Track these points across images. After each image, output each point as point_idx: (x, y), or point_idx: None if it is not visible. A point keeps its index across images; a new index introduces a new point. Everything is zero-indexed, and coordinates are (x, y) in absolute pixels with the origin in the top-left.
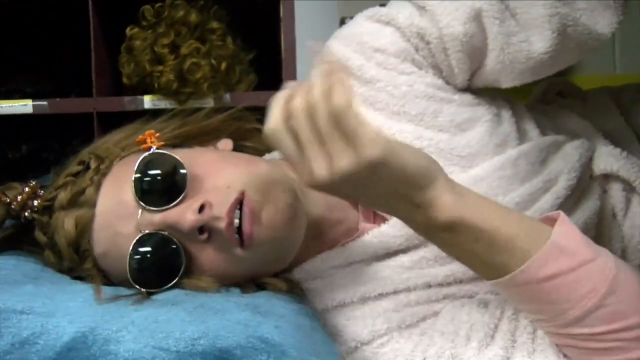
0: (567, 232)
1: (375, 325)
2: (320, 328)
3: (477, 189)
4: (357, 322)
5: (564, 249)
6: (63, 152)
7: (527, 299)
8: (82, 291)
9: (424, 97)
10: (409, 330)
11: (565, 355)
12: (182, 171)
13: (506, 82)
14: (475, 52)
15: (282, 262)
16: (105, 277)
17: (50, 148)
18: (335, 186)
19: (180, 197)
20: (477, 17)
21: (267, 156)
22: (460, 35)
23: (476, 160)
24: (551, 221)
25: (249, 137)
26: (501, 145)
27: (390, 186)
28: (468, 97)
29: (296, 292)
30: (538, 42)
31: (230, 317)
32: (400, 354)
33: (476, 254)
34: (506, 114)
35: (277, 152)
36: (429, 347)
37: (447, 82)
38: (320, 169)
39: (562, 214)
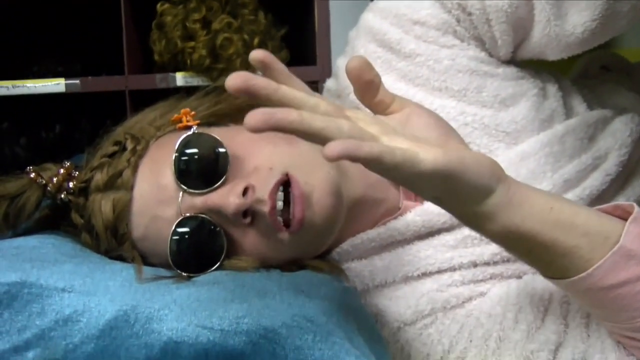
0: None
1: (419, 306)
2: (363, 307)
3: (524, 166)
4: (400, 303)
5: (634, 254)
6: (95, 131)
7: (589, 302)
8: (121, 270)
9: (467, 72)
10: (454, 311)
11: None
12: (223, 152)
13: (553, 55)
14: (520, 24)
15: (323, 245)
16: (143, 258)
17: (83, 127)
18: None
19: (222, 180)
20: None
21: None
22: (505, 6)
23: (522, 137)
24: (624, 212)
25: None
26: (548, 120)
27: (447, 192)
28: (512, 71)
29: (336, 272)
30: (586, 9)
31: (272, 296)
32: (446, 335)
33: (532, 259)
34: (552, 89)
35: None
36: (475, 329)
37: (490, 55)
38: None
39: (636, 208)
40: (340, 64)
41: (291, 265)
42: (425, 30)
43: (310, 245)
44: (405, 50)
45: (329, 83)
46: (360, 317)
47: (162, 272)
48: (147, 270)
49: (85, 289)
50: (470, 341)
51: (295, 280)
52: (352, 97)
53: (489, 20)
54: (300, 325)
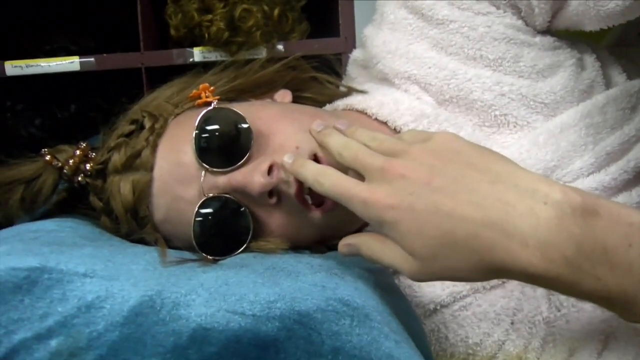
0: None
1: (457, 286)
2: (397, 287)
3: (565, 138)
4: (435, 283)
5: None
6: (111, 111)
7: None
8: (144, 254)
9: (504, 40)
10: (494, 292)
11: None
12: (247, 128)
13: (591, 25)
14: None
15: (357, 223)
16: (165, 241)
17: (98, 106)
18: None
19: (246, 157)
20: None
21: (328, 107)
22: None
23: (560, 108)
24: None
25: (306, 88)
26: (587, 91)
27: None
28: (549, 40)
29: None
30: None
31: (304, 278)
32: (484, 318)
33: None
34: (589, 59)
35: (338, 102)
36: (517, 311)
37: (526, 24)
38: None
39: None
40: (367, 32)
41: (320, 245)
42: None
43: (343, 224)
44: (437, 16)
45: (356, 53)
46: (396, 298)
47: (187, 255)
48: (171, 253)
49: (107, 274)
50: (512, 323)
51: (327, 262)
52: (380, 66)
53: None
54: (336, 309)
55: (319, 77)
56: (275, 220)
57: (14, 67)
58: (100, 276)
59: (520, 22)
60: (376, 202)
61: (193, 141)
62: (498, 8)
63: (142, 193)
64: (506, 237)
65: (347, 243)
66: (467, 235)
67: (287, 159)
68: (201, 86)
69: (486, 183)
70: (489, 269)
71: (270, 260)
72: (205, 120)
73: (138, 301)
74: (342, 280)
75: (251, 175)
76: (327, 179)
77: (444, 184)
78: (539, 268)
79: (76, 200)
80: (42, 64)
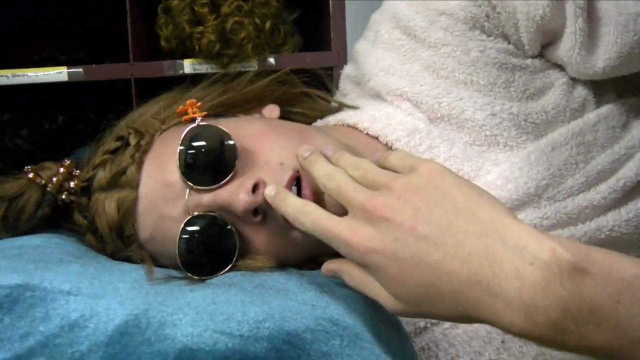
0: None
1: None
2: None
3: (556, 157)
4: None
5: None
6: (100, 122)
7: None
8: (131, 271)
9: (495, 65)
10: None
11: None
12: (231, 145)
13: (572, 74)
14: (550, 33)
15: None
16: (152, 259)
17: (87, 118)
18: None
19: (231, 175)
20: (559, 5)
21: (319, 122)
22: (537, 17)
23: (551, 128)
24: None
25: (297, 103)
26: (579, 110)
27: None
28: (540, 62)
29: None
30: (614, 46)
31: (294, 297)
32: (476, 336)
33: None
34: None
35: (329, 117)
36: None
37: (517, 48)
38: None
39: None
40: (359, 48)
41: (309, 263)
42: (453, 22)
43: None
44: (430, 39)
45: (348, 69)
46: (385, 315)
47: (174, 273)
48: (158, 271)
49: (92, 292)
50: (503, 342)
51: (316, 280)
52: (372, 83)
53: (518, 26)
54: (326, 329)
55: (309, 92)
56: (260, 238)
57: (0, 77)
58: (86, 294)
59: (511, 46)
60: (358, 244)
61: (178, 158)
62: (489, 35)
63: (128, 211)
64: (491, 296)
65: (329, 269)
66: (451, 290)
67: (268, 192)
68: (188, 102)
69: (473, 236)
70: (473, 319)
71: (259, 278)
72: (190, 138)
73: (123, 320)
74: (332, 298)
75: (236, 194)
76: (307, 218)
77: (429, 232)
78: (522, 329)
79: (60, 218)
80: (29, 74)
